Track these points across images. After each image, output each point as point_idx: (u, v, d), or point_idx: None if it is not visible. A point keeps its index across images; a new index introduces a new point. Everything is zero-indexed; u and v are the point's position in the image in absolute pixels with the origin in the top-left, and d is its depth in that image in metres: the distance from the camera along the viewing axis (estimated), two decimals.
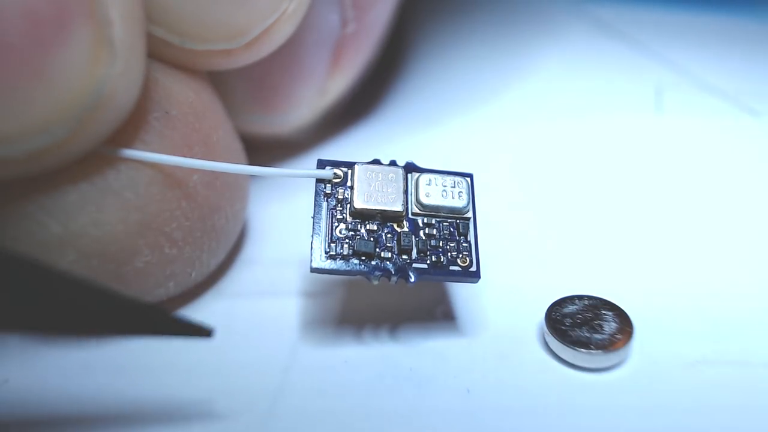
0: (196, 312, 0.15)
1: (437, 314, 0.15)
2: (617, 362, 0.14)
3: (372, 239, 0.13)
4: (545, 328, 0.14)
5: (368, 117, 0.23)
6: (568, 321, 0.14)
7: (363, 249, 0.13)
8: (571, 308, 0.14)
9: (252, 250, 0.17)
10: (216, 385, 0.13)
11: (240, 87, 0.18)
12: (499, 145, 0.21)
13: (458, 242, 0.14)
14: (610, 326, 0.14)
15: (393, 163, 0.14)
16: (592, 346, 0.14)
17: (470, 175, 0.14)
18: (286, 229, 0.17)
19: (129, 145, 0.13)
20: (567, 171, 0.20)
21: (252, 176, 0.16)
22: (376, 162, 0.14)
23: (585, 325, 0.14)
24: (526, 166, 0.20)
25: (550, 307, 0.14)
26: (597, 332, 0.14)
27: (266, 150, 0.19)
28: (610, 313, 0.14)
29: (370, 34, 0.19)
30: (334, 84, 0.19)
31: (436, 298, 0.15)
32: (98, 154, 0.12)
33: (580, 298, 0.15)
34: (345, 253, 0.13)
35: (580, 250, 0.17)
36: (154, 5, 0.13)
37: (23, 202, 0.12)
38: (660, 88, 0.24)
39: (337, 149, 0.21)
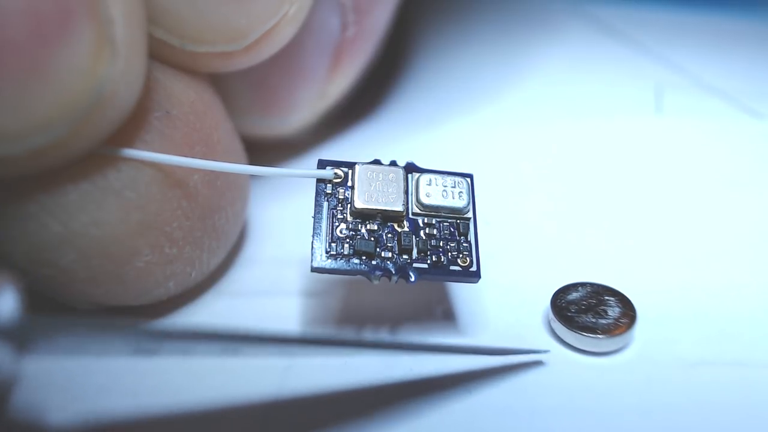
0: (197, 312, 0.15)
1: (437, 314, 0.15)
2: (621, 346, 0.14)
3: (372, 239, 0.13)
4: (551, 315, 0.14)
5: (368, 118, 0.23)
6: (573, 308, 0.14)
7: (364, 249, 0.13)
8: (575, 295, 0.15)
9: (252, 249, 0.17)
10: (216, 385, 0.13)
11: (240, 90, 0.18)
12: (499, 145, 0.21)
13: (458, 242, 0.14)
14: (614, 311, 0.14)
15: (393, 164, 0.14)
16: (598, 331, 0.14)
17: (470, 176, 0.14)
18: (286, 228, 0.17)
19: (130, 145, 0.13)
20: (567, 171, 0.20)
21: (252, 176, 0.16)
22: (377, 162, 0.14)
23: (590, 311, 0.14)
24: (526, 166, 0.20)
25: (555, 294, 0.15)
26: (602, 317, 0.14)
27: (266, 150, 0.19)
28: (612, 298, 0.15)
29: (369, 38, 0.19)
30: (333, 87, 0.19)
31: (437, 297, 0.15)
32: (99, 154, 0.12)
33: (583, 285, 0.15)
34: (346, 252, 0.13)
35: (580, 249, 0.17)
36: (155, 6, 0.13)
37: (24, 201, 0.12)
38: (660, 89, 0.24)
39: (337, 150, 0.21)
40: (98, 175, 0.12)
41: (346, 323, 0.15)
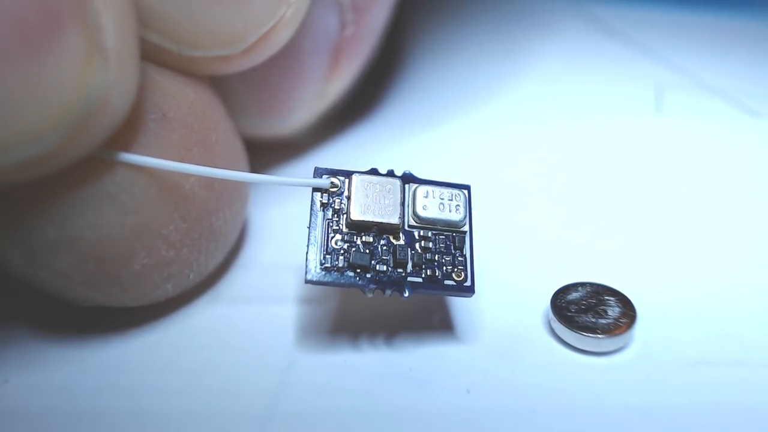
0: (197, 313, 0.15)
1: (435, 323, 0.15)
2: (621, 346, 0.14)
3: (368, 251, 0.13)
4: (551, 315, 0.14)
5: (366, 119, 0.23)
6: (573, 308, 0.14)
7: (358, 262, 0.13)
8: (575, 295, 0.15)
9: (251, 253, 0.17)
10: (216, 385, 0.13)
11: (239, 91, 0.18)
12: (498, 145, 0.21)
13: (454, 255, 0.14)
14: (614, 311, 0.14)
15: (391, 173, 0.14)
16: (598, 331, 0.14)
17: (468, 187, 0.14)
18: (286, 231, 0.17)
19: (126, 147, 0.12)
20: (567, 171, 0.20)
21: (263, 169, 0.16)
22: (374, 171, 0.14)
23: (590, 311, 0.14)
24: (526, 167, 0.20)
25: (555, 294, 0.15)
26: (602, 317, 0.14)
27: (265, 151, 0.19)
28: (612, 298, 0.15)
29: (368, 37, 0.19)
30: (332, 87, 0.19)
31: (436, 299, 0.15)
32: (94, 158, 0.12)
33: (583, 285, 0.15)
34: (340, 265, 0.13)
35: (580, 249, 0.17)
36: (150, 12, 0.13)
37: (20, 205, 0.12)
38: (660, 89, 0.24)
39: (335, 151, 0.21)
40: (93, 180, 0.12)
41: (345, 323, 0.15)
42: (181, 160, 0.13)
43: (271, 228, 0.18)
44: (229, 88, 0.17)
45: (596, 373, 0.14)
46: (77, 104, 0.11)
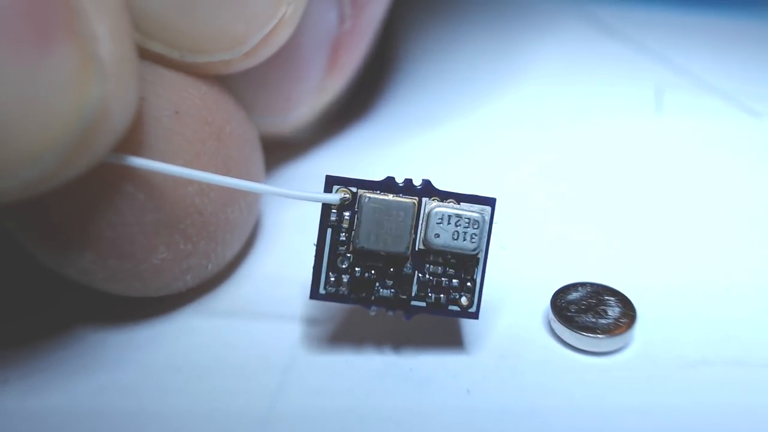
0: (199, 313, 0.15)
1: (435, 323, 0.15)
2: (621, 346, 0.14)
3: (373, 273, 0.13)
4: (551, 315, 0.14)
5: (367, 119, 0.23)
6: (573, 308, 0.14)
7: (363, 285, 0.13)
8: (575, 295, 0.15)
9: (258, 256, 0.17)
10: (216, 385, 0.13)
11: (238, 88, 0.17)
12: (498, 145, 0.21)
13: (463, 280, 0.13)
14: (614, 311, 0.14)
15: (408, 184, 0.13)
16: (598, 331, 0.14)
17: (492, 202, 0.13)
18: (293, 235, 0.17)
19: (139, 147, 0.12)
20: (567, 171, 0.20)
21: (266, 169, 0.16)
22: (390, 181, 0.13)
23: (590, 311, 0.14)
24: (526, 167, 0.20)
25: (554, 294, 0.15)
26: (602, 317, 0.14)
27: (269, 151, 0.19)
28: (612, 298, 0.15)
29: (366, 31, 0.19)
30: (332, 82, 0.19)
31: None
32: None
33: (583, 285, 0.15)
34: (344, 285, 0.13)
35: (580, 249, 0.17)
36: (150, 21, 0.13)
37: (41, 206, 0.12)
38: (660, 89, 0.24)
39: (337, 152, 0.21)
40: (112, 180, 0.12)
41: (347, 323, 0.15)
42: (196, 155, 0.13)
43: (281, 230, 0.17)
44: (228, 85, 0.17)
45: (596, 373, 0.14)
46: (75, 119, 0.10)
